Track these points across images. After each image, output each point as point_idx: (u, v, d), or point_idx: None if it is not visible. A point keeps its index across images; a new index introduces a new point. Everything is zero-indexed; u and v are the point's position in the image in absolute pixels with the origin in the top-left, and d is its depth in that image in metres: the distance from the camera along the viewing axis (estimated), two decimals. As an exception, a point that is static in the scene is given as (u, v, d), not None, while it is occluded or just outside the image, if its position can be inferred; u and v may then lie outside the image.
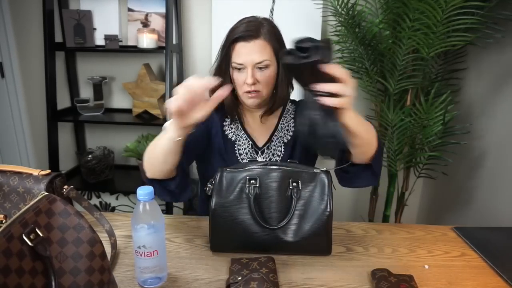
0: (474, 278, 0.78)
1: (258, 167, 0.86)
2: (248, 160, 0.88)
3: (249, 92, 0.98)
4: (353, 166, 0.91)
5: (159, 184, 0.89)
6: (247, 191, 0.83)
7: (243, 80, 0.98)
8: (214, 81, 0.73)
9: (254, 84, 0.97)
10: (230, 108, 1.06)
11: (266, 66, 0.97)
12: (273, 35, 0.99)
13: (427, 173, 1.60)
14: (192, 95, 0.72)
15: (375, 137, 0.87)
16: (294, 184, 0.84)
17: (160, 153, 0.83)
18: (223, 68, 1.01)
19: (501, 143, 1.39)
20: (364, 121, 0.82)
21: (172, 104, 0.72)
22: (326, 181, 0.85)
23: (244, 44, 0.96)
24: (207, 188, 0.86)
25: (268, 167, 0.86)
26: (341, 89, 0.69)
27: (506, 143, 1.36)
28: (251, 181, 0.83)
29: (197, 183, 1.45)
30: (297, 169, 0.86)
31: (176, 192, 0.92)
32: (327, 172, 0.86)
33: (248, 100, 1.01)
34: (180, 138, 0.79)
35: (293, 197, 0.83)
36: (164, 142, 0.81)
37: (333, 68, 0.69)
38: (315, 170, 0.86)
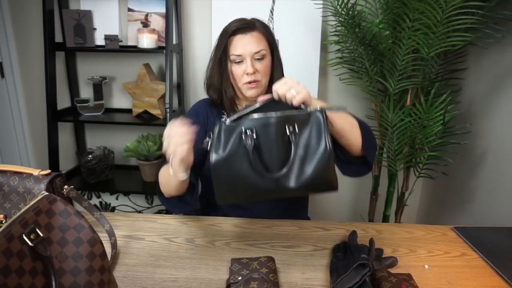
0: (474, 278, 0.79)
1: (254, 118, 0.83)
2: (245, 106, 0.85)
3: (249, 83, 1.01)
4: (351, 157, 0.97)
5: (177, 200, 0.96)
6: (245, 142, 0.79)
7: (242, 71, 1.01)
8: (193, 126, 0.82)
9: (254, 73, 1.00)
10: (230, 103, 1.08)
11: (263, 56, 1.02)
12: (267, 29, 1.05)
13: (427, 173, 1.60)
14: (189, 140, 0.80)
15: (355, 126, 0.93)
16: (291, 128, 0.80)
17: (171, 184, 0.90)
18: (221, 63, 1.04)
19: (501, 143, 1.39)
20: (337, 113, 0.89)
21: (178, 154, 0.80)
22: (321, 119, 0.81)
23: (241, 36, 1.01)
24: (205, 142, 0.83)
25: (263, 116, 0.82)
26: (283, 88, 0.80)
27: (506, 143, 1.36)
28: (248, 132, 0.80)
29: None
30: (292, 113, 0.83)
31: (192, 202, 0.97)
32: (321, 111, 0.82)
33: (248, 91, 1.02)
34: (185, 175, 0.86)
35: (292, 141, 0.80)
36: (172, 178, 0.87)
37: (275, 90, 0.82)
38: (309, 109, 0.82)
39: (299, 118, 0.81)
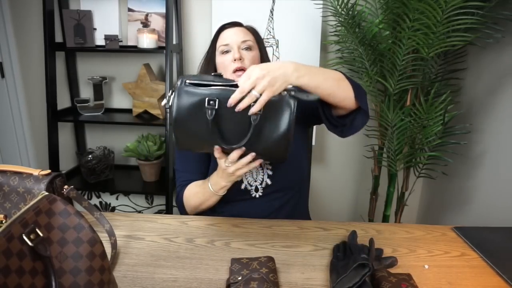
0: (474, 278, 0.79)
1: (218, 86, 0.81)
2: (213, 74, 0.84)
3: (237, 71, 1.02)
4: (345, 117, 0.94)
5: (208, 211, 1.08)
6: (206, 111, 0.78)
7: (229, 59, 1.03)
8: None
9: (240, 59, 1.02)
10: None
11: (250, 47, 1.05)
12: (254, 30, 1.10)
13: (427, 173, 1.60)
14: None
15: (340, 79, 0.88)
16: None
17: (209, 203, 1.02)
18: (209, 58, 1.10)
19: (501, 143, 1.39)
20: (320, 72, 0.85)
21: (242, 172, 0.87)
22: (292, 107, 0.79)
23: (229, 29, 1.07)
24: (166, 100, 0.83)
25: (228, 88, 0.79)
26: (245, 85, 0.74)
27: (506, 143, 1.36)
28: (210, 102, 0.78)
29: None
30: None
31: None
32: (294, 98, 0.80)
33: (237, 79, 1.03)
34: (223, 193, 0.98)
35: (252, 121, 0.77)
36: (212, 198, 1.00)
37: (239, 90, 0.75)
38: (282, 93, 0.79)
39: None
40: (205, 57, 1.12)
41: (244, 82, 0.75)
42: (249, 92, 0.75)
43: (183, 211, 1.09)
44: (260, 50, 1.09)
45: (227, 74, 1.03)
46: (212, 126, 0.78)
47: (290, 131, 0.80)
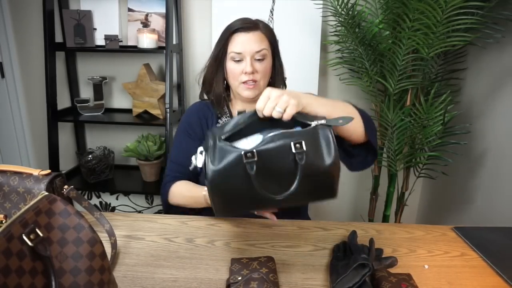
0: (474, 278, 0.78)
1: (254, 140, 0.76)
2: (237, 112, 0.78)
3: (246, 82, 0.99)
4: (355, 148, 0.93)
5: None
6: (245, 165, 0.70)
7: (241, 70, 0.99)
8: None
9: (252, 73, 0.98)
10: (216, 99, 1.08)
11: (264, 57, 1.00)
12: (270, 30, 1.04)
13: (427, 173, 1.60)
14: None
15: (351, 112, 0.87)
16: (297, 145, 0.72)
17: (194, 205, 1.02)
18: (219, 59, 1.03)
19: (501, 143, 1.39)
20: (329, 103, 0.83)
21: None
22: (329, 136, 0.74)
23: (243, 34, 0.99)
24: (197, 161, 0.76)
25: (264, 137, 0.74)
26: (268, 108, 0.73)
27: (506, 143, 1.36)
28: (248, 155, 0.71)
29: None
30: (294, 130, 0.75)
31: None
32: (328, 125, 0.75)
33: (245, 92, 1.01)
34: None
35: (298, 161, 0.71)
36: (199, 202, 0.98)
37: (259, 110, 0.74)
38: (313, 124, 0.75)
39: (304, 134, 0.73)
40: (213, 57, 1.05)
41: (263, 101, 0.74)
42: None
43: (165, 200, 1.08)
44: (273, 55, 1.04)
45: (236, 83, 1.01)
46: (256, 180, 0.70)
47: (336, 157, 0.73)
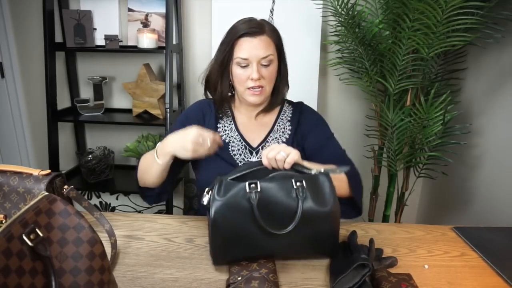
0: (474, 278, 0.79)
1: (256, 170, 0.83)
2: (244, 164, 0.85)
3: (252, 88, 0.99)
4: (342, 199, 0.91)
5: (146, 189, 1.06)
6: (248, 196, 0.76)
7: (247, 76, 0.98)
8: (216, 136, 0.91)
9: (259, 79, 0.98)
10: (220, 102, 1.08)
11: (270, 62, 0.99)
12: (276, 33, 1.02)
13: (427, 173, 1.60)
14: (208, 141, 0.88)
15: (343, 179, 0.95)
16: (298, 183, 0.78)
17: (150, 172, 0.99)
18: (224, 63, 1.01)
19: (501, 143, 1.39)
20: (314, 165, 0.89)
21: (206, 146, 0.88)
22: (327, 183, 0.81)
23: (250, 39, 0.97)
24: (204, 199, 0.79)
25: (269, 170, 0.82)
26: (272, 152, 0.82)
27: (506, 143, 1.36)
28: (252, 186, 0.76)
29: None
30: (296, 173, 0.82)
31: (157, 195, 1.06)
32: (326, 174, 0.82)
33: (251, 97, 1.01)
34: (162, 163, 0.95)
35: (299, 197, 0.76)
36: (153, 165, 0.97)
37: (264, 155, 0.83)
38: (312, 172, 0.82)
39: (304, 176, 0.81)
40: (218, 61, 1.02)
41: (269, 151, 0.82)
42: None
43: (137, 185, 1.08)
44: (279, 59, 1.03)
45: (242, 88, 1.01)
46: (258, 211, 0.74)
47: (335, 202, 0.79)
